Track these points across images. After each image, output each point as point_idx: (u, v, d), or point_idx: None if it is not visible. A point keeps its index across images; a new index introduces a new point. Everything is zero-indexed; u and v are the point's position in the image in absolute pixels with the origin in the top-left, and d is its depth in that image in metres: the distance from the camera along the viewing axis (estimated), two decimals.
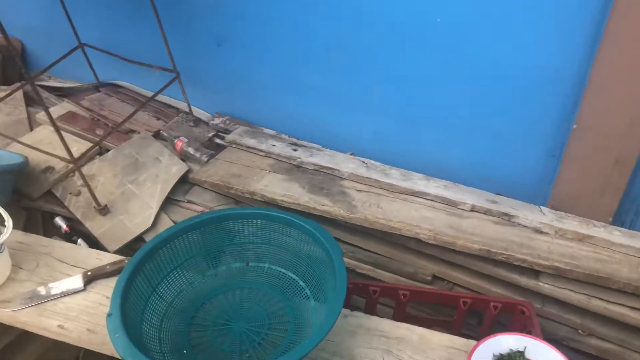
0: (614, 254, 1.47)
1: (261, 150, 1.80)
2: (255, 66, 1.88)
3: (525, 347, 1.18)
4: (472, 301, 1.47)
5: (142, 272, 1.21)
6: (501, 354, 1.17)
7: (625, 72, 1.36)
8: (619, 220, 1.63)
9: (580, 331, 1.50)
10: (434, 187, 1.68)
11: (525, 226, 1.55)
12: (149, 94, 1.84)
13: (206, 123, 2.02)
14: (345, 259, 1.66)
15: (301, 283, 1.32)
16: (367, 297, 1.50)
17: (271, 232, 1.35)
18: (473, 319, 1.57)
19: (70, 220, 1.72)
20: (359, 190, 1.67)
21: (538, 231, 1.54)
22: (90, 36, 2.03)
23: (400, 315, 1.49)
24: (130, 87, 2.16)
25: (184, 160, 1.84)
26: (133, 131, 1.95)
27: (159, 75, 1.93)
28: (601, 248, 1.49)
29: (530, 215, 1.57)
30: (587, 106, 1.44)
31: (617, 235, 1.52)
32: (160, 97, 2.11)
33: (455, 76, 1.59)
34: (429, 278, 1.59)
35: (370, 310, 1.51)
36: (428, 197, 1.65)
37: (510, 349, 1.18)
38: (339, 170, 1.72)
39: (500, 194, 1.71)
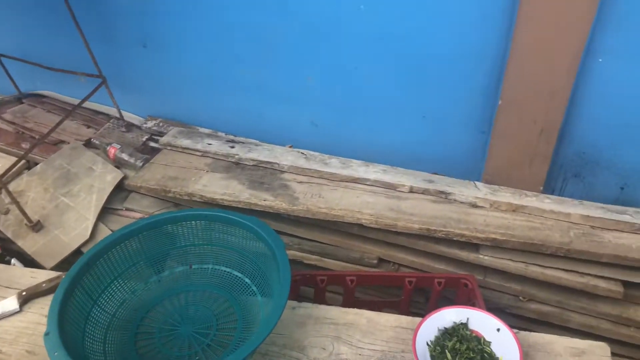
0: (546, 221, 1.54)
1: (197, 150, 1.77)
2: (184, 65, 1.84)
3: (467, 319, 1.22)
4: (416, 280, 1.50)
5: (80, 286, 1.17)
6: (445, 328, 1.21)
7: (541, 47, 1.41)
8: (549, 188, 1.71)
9: (521, 298, 1.56)
10: (373, 172, 1.70)
11: (462, 202, 1.60)
12: (76, 102, 1.77)
13: (139, 127, 1.97)
14: (292, 252, 1.67)
15: (247, 280, 1.31)
16: (315, 287, 1.51)
17: (212, 232, 1.34)
18: (420, 297, 1.61)
19: (2, 240, 1.64)
20: (300, 182, 1.67)
21: (474, 206, 1.59)
22: (5, 46, 1.93)
23: (350, 301, 1.51)
24: (55, 96, 2.07)
25: (118, 167, 1.79)
26: (62, 142, 1.88)
27: (85, 82, 1.86)
28: (534, 216, 1.55)
29: (466, 191, 1.62)
30: (509, 81, 1.50)
31: (547, 202, 1.59)
32: (89, 105, 2.04)
33: (383, 61, 1.61)
34: (375, 261, 1.62)
35: (319, 299, 1.52)
36: (368, 183, 1.67)
37: (454, 322, 1.22)
38: (278, 164, 1.72)
39: (437, 173, 1.75)
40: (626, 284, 1.46)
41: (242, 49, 1.74)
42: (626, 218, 1.52)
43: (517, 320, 1.58)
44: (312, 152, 1.80)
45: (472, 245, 1.54)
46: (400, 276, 1.51)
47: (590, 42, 1.39)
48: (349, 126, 1.81)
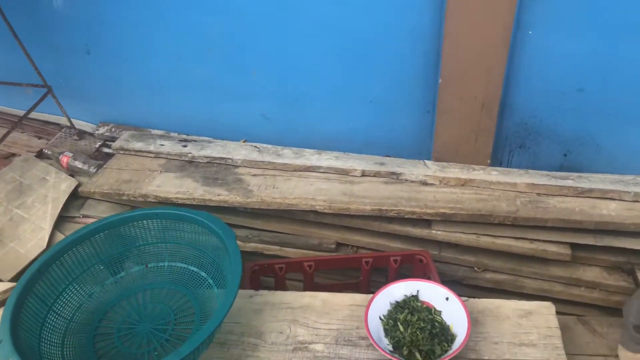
0: (494, 192, 1.59)
1: (150, 152, 1.77)
2: (130, 69, 1.84)
3: (417, 291, 1.26)
4: (373, 260, 1.54)
5: (32, 294, 1.17)
6: (397, 302, 1.24)
7: (473, 24, 1.46)
8: (497, 160, 1.76)
9: (476, 268, 1.61)
10: (326, 159, 1.73)
11: (413, 181, 1.64)
12: (23, 113, 1.76)
13: (91, 134, 1.96)
14: (253, 244, 1.69)
15: (203, 274, 1.33)
16: (274, 275, 1.53)
17: (165, 230, 1.35)
18: (380, 277, 1.65)
19: None
20: (254, 175, 1.69)
21: (424, 184, 1.63)
22: None
23: (310, 287, 1.54)
24: (2, 110, 2.05)
25: (72, 176, 1.78)
26: (13, 154, 1.87)
27: (31, 93, 1.84)
28: (482, 189, 1.60)
29: (416, 170, 1.66)
30: (447, 60, 1.54)
31: (494, 174, 1.64)
32: (38, 115, 2.02)
33: (325, 51, 1.64)
34: (333, 246, 1.65)
35: (280, 288, 1.54)
36: (321, 170, 1.70)
37: (405, 295, 1.25)
38: (232, 159, 1.73)
39: (389, 155, 1.79)
40: (573, 246, 1.52)
41: (186, 49, 1.75)
42: (569, 183, 1.57)
43: (475, 290, 1.63)
44: (265, 145, 1.82)
45: (425, 222, 1.58)
46: (357, 257, 1.55)
47: (519, 16, 1.44)
48: (300, 117, 1.83)
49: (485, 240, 1.54)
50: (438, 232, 1.57)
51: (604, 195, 1.54)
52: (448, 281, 1.63)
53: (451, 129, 1.67)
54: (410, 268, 1.58)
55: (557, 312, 1.46)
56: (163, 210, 1.32)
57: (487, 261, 1.59)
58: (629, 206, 1.50)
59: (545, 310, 1.24)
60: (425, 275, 1.51)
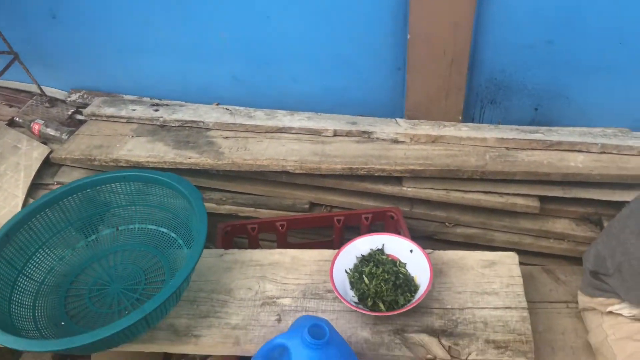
0: (464, 148, 1.59)
1: (122, 117, 1.76)
2: (99, 34, 1.81)
3: (383, 244, 1.28)
4: (345, 218, 1.56)
5: (1, 257, 1.18)
6: (363, 255, 1.27)
7: None
8: (469, 116, 1.76)
9: (447, 223, 1.63)
10: (298, 120, 1.73)
11: (384, 139, 1.65)
12: None
13: (63, 101, 1.94)
14: (227, 206, 1.70)
15: (173, 235, 1.34)
16: (248, 236, 1.55)
17: (134, 193, 1.36)
18: (352, 234, 1.65)
19: None
20: (226, 137, 1.69)
21: (395, 141, 1.63)
22: None
23: (283, 246, 1.55)
24: None
25: (45, 143, 1.78)
26: None
27: None
28: (452, 145, 1.61)
29: (387, 128, 1.66)
30: (414, 16, 1.52)
31: (465, 130, 1.64)
32: (8, 84, 2.00)
33: (293, 9, 1.61)
34: (307, 206, 1.66)
35: (254, 248, 1.56)
36: (293, 131, 1.70)
37: (371, 249, 1.27)
38: (203, 122, 1.73)
39: (362, 114, 1.79)
40: (542, 198, 1.54)
41: (153, 12, 1.71)
42: (538, 137, 1.58)
43: (446, 244, 1.66)
44: (237, 107, 1.81)
45: (396, 179, 1.59)
46: (329, 216, 1.56)
47: None
48: (271, 78, 1.82)
49: (455, 196, 1.56)
50: (409, 189, 1.58)
51: (572, 148, 1.55)
52: (420, 237, 1.65)
53: (422, 86, 1.67)
54: (382, 225, 1.60)
55: (527, 264, 1.51)
56: (130, 173, 1.33)
57: (458, 216, 1.61)
58: (595, 157, 1.51)
59: (508, 260, 1.26)
60: (396, 231, 1.53)
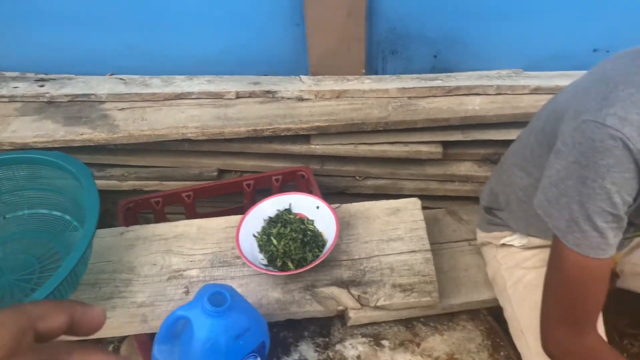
0: (367, 101, 1.59)
1: (3, 96, 1.62)
2: None
3: (289, 204, 1.26)
4: (254, 181, 1.52)
5: None
6: (270, 217, 1.25)
7: None
8: (372, 69, 1.75)
9: (357, 177, 1.64)
10: (198, 84, 1.66)
11: (288, 98, 1.61)
12: None
13: None
14: (130, 182, 1.62)
15: (67, 217, 1.26)
16: (153, 211, 1.48)
17: (20, 177, 1.26)
18: (265, 198, 1.64)
19: None
20: (121, 109, 1.59)
21: (300, 99, 1.61)
22: None
23: (192, 217, 1.50)
24: None
25: None
26: None
27: None
28: (356, 99, 1.60)
29: (291, 86, 1.63)
30: None
31: (368, 83, 1.64)
32: None
33: None
34: (215, 174, 1.61)
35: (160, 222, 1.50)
36: (193, 97, 1.63)
37: (278, 210, 1.26)
38: (95, 95, 1.62)
39: (266, 74, 1.74)
40: (445, 144, 1.57)
41: None
42: (438, 83, 1.60)
43: (358, 198, 1.65)
44: (132, 76, 1.71)
45: (303, 138, 1.57)
46: (238, 181, 1.53)
47: None
48: (167, 42, 1.72)
49: (362, 149, 1.56)
50: (317, 146, 1.56)
51: (470, 92, 1.58)
52: (333, 193, 1.65)
53: (322, 41, 1.63)
54: (294, 185, 1.59)
55: (435, 208, 1.55)
56: (9, 156, 1.22)
57: (367, 169, 1.62)
58: (492, 99, 1.56)
59: (411, 206, 1.29)
60: (308, 190, 1.52)
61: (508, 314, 1.07)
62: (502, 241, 1.11)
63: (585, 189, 0.76)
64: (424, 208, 1.32)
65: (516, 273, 1.05)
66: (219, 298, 0.91)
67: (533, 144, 0.95)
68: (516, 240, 1.08)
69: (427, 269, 1.15)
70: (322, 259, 1.12)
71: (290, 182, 1.57)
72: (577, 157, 0.77)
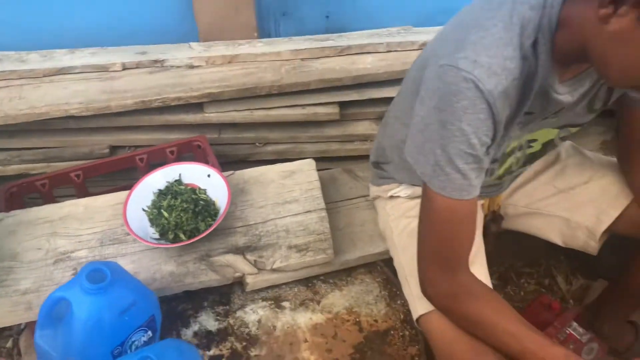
0: (260, 65, 1.56)
1: None
2: None
3: (180, 175, 1.23)
4: (147, 155, 1.47)
5: None
6: (160, 190, 1.21)
7: None
8: (265, 32, 1.72)
9: (257, 143, 1.62)
10: (81, 58, 1.56)
11: (178, 66, 1.56)
12: None
13: None
14: (14, 166, 1.53)
15: None
16: (40, 194, 1.40)
17: None
18: None
19: None
20: None
21: (190, 67, 1.55)
22: None
23: (84, 197, 1.44)
24: None
25: None
26: None
27: None
28: (249, 63, 1.57)
29: (180, 54, 1.57)
30: None
31: (260, 46, 1.60)
32: None
33: None
34: (107, 151, 1.54)
35: None
36: (76, 71, 1.53)
37: (168, 182, 1.22)
38: None
39: (154, 43, 1.66)
40: (341, 105, 1.58)
41: None
42: (330, 43, 1.60)
43: (261, 165, 1.65)
44: (6, 52, 1.58)
45: (197, 106, 1.52)
46: (129, 157, 1.47)
47: None
48: (44, 14, 1.60)
49: (259, 114, 1.54)
50: (212, 114, 1.52)
51: (362, 50, 1.59)
52: (233, 161, 1.63)
53: (209, 5, 1.58)
54: (193, 156, 1.55)
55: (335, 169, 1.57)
56: None
57: (266, 134, 1.60)
58: (382, 57, 1.58)
59: (306, 167, 1.29)
60: (205, 160, 1.49)
61: (395, 262, 1.11)
62: (389, 193, 1.14)
63: (445, 132, 0.79)
64: (326, 170, 1.34)
65: (402, 222, 1.09)
66: (99, 275, 0.87)
67: (407, 94, 0.97)
68: (402, 191, 1.11)
69: (322, 227, 1.16)
70: (214, 228, 1.10)
71: (187, 154, 1.52)
72: (437, 102, 0.79)
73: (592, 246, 1.13)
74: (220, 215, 1.12)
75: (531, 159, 1.02)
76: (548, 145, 1.01)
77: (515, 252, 1.66)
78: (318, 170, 1.38)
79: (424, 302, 0.95)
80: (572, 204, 1.13)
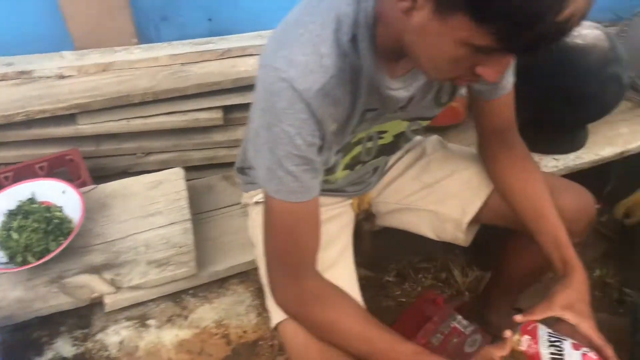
0: (136, 72, 1.50)
1: None
2: None
3: (32, 193, 1.15)
4: (14, 173, 1.37)
5: None
6: (10, 210, 1.13)
7: None
8: (145, 38, 1.65)
9: (138, 154, 1.55)
10: None
11: (47, 77, 1.47)
12: None
13: None
14: None
15: None
16: None
17: None
18: None
19: None
20: None
21: (60, 77, 1.47)
22: None
23: None
24: None
25: None
26: None
27: None
28: (124, 71, 1.50)
29: (50, 64, 1.49)
30: None
31: (137, 52, 1.54)
32: None
33: None
34: None
35: None
36: None
37: (20, 201, 1.14)
38: None
39: (24, 54, 1.56)
40: (226, 109, 1.53)
41: None
42: (210, 47, 1.55)
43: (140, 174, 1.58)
44: None
45: (69, 118, 1.44)
46: None
47: None
48: None
49: (136, 123, 1.47)
50: (86, 126, 1.45)
51: (244, 53, 1.55)
52: (114, 174, 1.55)
53: (81, 11, 1.50)
54: (65, 172, 1.46)
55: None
56: None
57: (148, 144, 1.54)
58: None
59: (174, 177, 1.24)
60: (78, 175, 1.41)
61: (260, 270, 1.07)
62: (254, 199, 1.10)
63: (271, 134, 0.76)
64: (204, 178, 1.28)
65: None
66: None
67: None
68: None
69: (185, 240, 1.11)
70: (63, 247, 1.03)
71: (60, 169, 1.44)
72: (262, 104, 0.76)
73: (461, 238, 1.12)
74: (71, 234, 1.05)
75: (383, 150, 1.00)
76: (400, 137, 0.99)
77: (412, 248, 1.66)
78: (202, 178, 1.33)
79: (279, 310, 0.91)
80: (439, 198, 1.12)
